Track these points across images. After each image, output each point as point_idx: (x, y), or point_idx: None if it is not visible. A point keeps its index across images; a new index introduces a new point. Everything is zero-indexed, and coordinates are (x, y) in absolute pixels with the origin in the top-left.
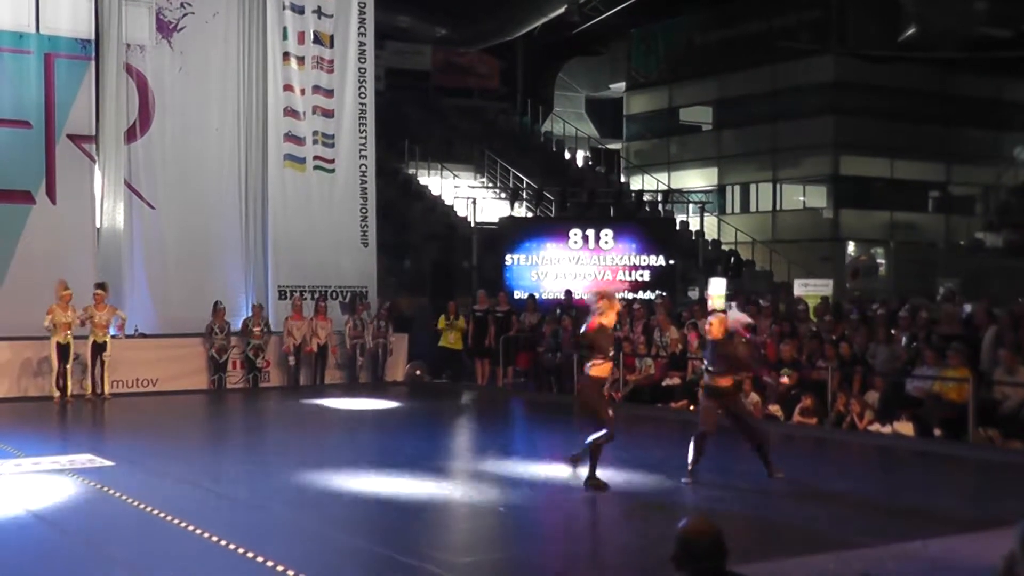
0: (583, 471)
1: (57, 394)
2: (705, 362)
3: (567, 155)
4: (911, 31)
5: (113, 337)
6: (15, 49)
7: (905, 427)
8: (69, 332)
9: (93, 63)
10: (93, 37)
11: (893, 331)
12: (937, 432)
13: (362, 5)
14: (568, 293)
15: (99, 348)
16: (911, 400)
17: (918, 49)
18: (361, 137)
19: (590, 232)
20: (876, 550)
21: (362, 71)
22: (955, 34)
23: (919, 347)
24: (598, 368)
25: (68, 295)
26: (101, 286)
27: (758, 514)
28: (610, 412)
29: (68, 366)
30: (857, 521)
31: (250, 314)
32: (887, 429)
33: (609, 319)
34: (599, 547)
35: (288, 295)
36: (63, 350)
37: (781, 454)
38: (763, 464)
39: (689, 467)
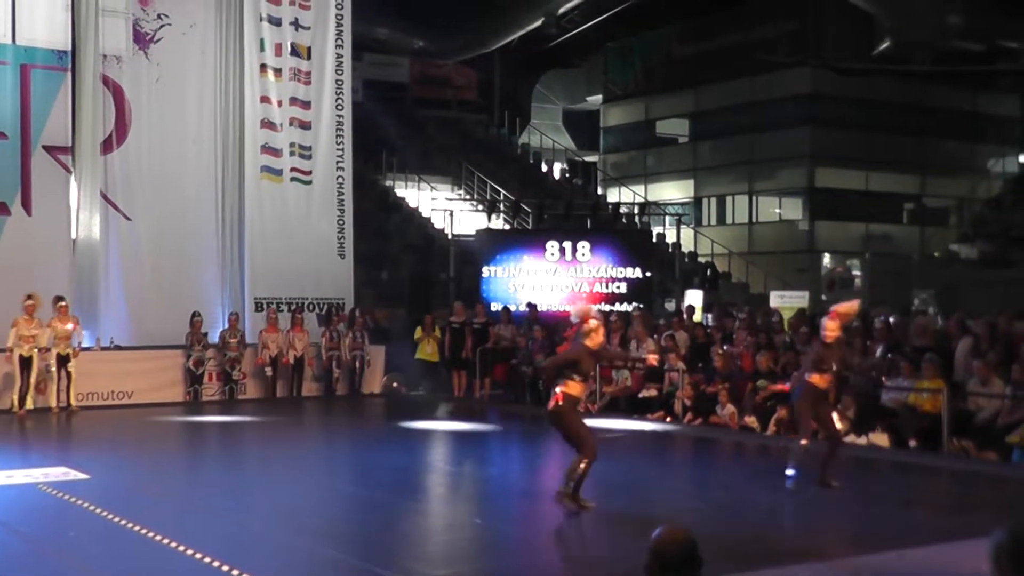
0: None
1: (16, 407)
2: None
3: (544, 167)
4: (886, 44)
5: (85, 350)
6: None
7: (880, 438)
8: (32, 345)
9: (69, 74)
10: (70, 48)
11: (869, 342)
12: (912, 443)
13: (339, 17)
14: (530, 306)
15: (62, 360)
16: (886, 411)
17: (893, 62)
18: (338, 149)
19: (567, 244)
20: (851, 561)
21: (339, 83)
22: (930, 47)
23: (893, 358)
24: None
25: (32, 306)
26: (61, 298)
27: (732, 525)
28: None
29: (31, 379)
30: (833, 532)
31: (227, 326)
32: (862, 440)
33: (595, 341)
34: (575, 559)
35: (264, 307)
36: (26, 363)
37: (756, 465)
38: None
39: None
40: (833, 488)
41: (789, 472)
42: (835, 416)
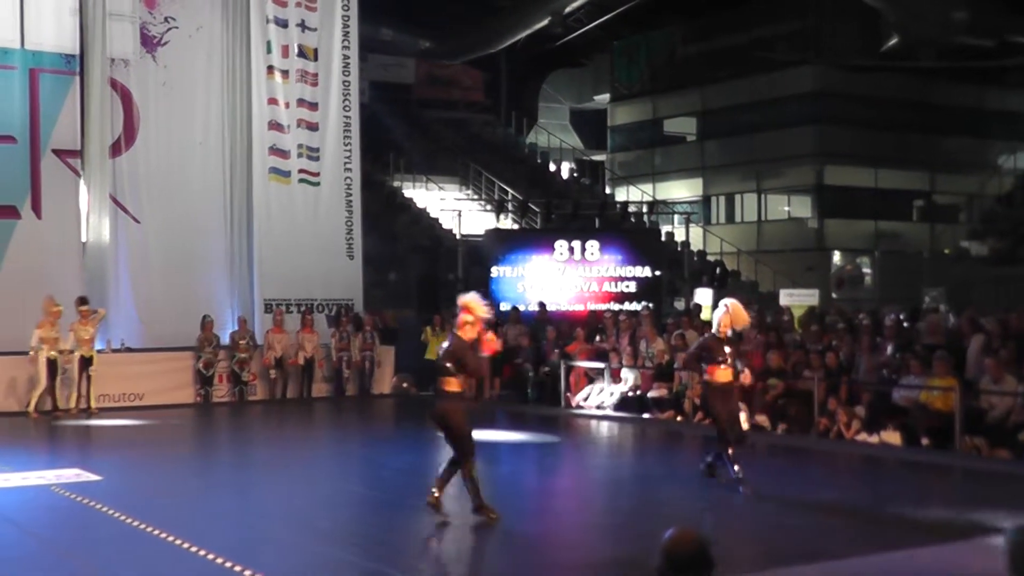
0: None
1: (33, 408)
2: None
3: (552, 167)
4: (893, 41)
5: (100, 351)
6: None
7: (892, 436)
8: (52, 347)
9: (78, 78)
10: (78, 52)
11: (879, 340)
12: (924, 441)
13: (346, 19)
14: (541, 305)
15: (86, 362)
16: (898, 409)
17: (900, 59)
18: (346, 150)
19: (576, 244)
20: (863, 560)
21: (346, 84)
22: (937, 44)
23: (904, 356)
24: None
25: (58, 312)
26: (83, 300)
27: (744, 525)
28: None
29: (56, 381)
30: (844, 531)
31: (236, 327)
32: (874, 439)
33: (467, 333)
34: (586, 557)
35: (274, 308)
36: (51, 365)
37: (766, 464)
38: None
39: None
40: (747, 491)
41: (739, 483)
42: (742, 416)
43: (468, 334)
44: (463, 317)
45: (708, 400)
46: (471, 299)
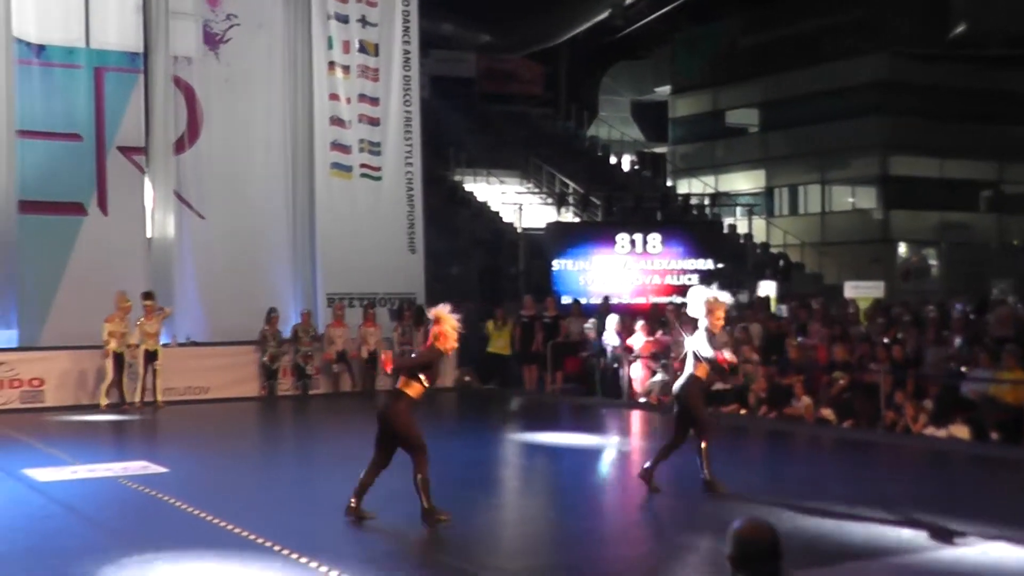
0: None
1: (105, 401)
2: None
3: (613, 159)
4: (960, 29)
5: (165, 346)
6: (66, 64)
7: (960, 430)
8: (121, 341)
9: (142, 76)
10: (142, 50)
11: (946, 332)
12: (993, 435)
13: (406, 14)
14: (606, 299)
15: (151, 357)
16: (966, 403)
17: (968, 47)
18: (407, 144)
19: (637, 237)
20: (933, 555)
21: (407, 79)
22: (1005, 31)
23: (973, 349)
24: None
25: (128, 307)
26: (148, 295)
27: (810, 519)
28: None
29: (123, 375)
30: (913, 526)
31: (299, 321)
32: (942, 433)
33: (445, 344)
34: (647, 551)
35: (334, 302)
36: (118, 359)
37: (834, 458)
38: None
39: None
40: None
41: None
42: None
43: (448, 345)
44: (435, 329)
45: (691, 394)
46: (442, 312)
